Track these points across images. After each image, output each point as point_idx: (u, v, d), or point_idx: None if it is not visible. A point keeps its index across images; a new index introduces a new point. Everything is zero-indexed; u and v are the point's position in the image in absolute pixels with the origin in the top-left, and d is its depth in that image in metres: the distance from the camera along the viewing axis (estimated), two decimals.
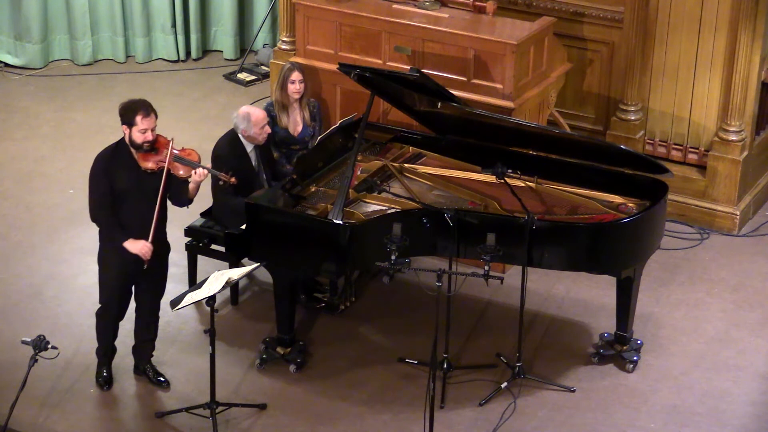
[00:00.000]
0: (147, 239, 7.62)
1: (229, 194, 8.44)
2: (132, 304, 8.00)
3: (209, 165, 7.89)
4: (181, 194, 7.78)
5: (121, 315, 7.96)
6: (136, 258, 7.66)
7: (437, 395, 7.66)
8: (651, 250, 8.25)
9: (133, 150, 7.61)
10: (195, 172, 7.64)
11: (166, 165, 7.59)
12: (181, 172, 7.65)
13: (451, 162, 8.75)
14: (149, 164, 7.60)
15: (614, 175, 8.35)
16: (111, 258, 7.75)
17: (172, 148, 7.62)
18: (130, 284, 7.87)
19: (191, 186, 7.71)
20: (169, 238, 7.91)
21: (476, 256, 7.79)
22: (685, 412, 7.98)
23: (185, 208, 7.97)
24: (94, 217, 7.72)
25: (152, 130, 7.55)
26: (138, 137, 7.54)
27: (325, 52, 9.50)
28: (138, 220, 7.64)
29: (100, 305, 7.93)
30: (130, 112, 7.55)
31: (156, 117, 7.60)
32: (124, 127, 7.58)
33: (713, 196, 9.84)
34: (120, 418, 7.89)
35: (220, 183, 7.86)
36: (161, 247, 7.82)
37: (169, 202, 7.85)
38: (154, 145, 7.60)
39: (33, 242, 9.56)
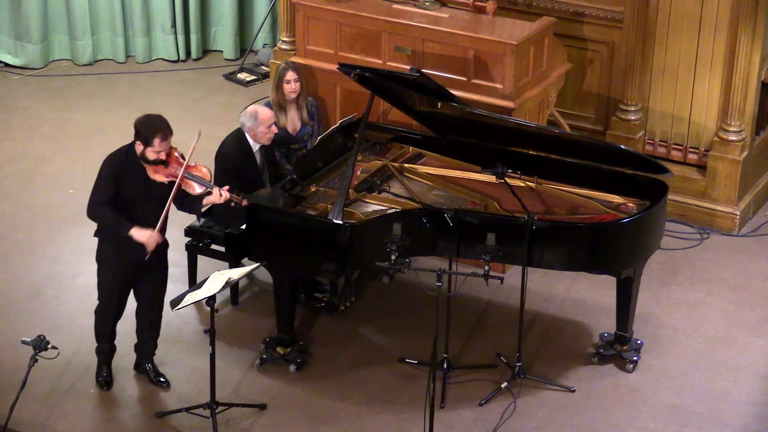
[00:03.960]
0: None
1: (231, 192, 8.44)
2: (133, 304, 7.99)
3: (227, 187, 7.74)
4: (192, 207, 7.79)
5: (119, 314, 7.95)
6: (134, 256, 7.64)
7: (437, 395, 7.66)
8: (651, 250, 8.25)
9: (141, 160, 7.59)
10: (219, 195, 7.59)
11: (177, 179, 7.54)
12: (192, 189, 7.63)
13: (451, 162, 8.75)
14: (159, 176, 7.57)
15: (614, 175, 8.35)
16: (109, 256, 7.74)
17: (187, 166, 7.56)
18: (129, 283, 7.85)
19: (204, 201, 7.70)
20: (169, 238, 7.90)
21: (476, 256, 7.79)
22: (685, 412, 7.98)
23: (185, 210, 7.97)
24: (93, 214, 7.63)
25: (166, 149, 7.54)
26: (151, 156, 7.50)
27: (325, 52, 9.50)
28: (142, 225, 7.62)
29: (99, 303, 7.93)
30: (149, 132, 7.47)
31: (172, 135, 7.54)
32: (138, 143, 7.52)
33: (713, 196, 9.83)
34: (120, 418, 7.89)
35: (232, 204, 7.78)
36: (162, 243, 7.81)
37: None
38: (165, 158, 7.59)
39: (33, 242, 9.55)
